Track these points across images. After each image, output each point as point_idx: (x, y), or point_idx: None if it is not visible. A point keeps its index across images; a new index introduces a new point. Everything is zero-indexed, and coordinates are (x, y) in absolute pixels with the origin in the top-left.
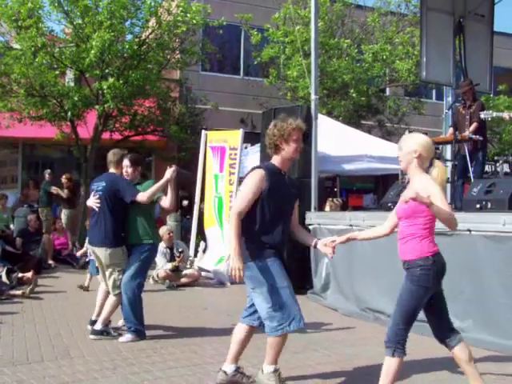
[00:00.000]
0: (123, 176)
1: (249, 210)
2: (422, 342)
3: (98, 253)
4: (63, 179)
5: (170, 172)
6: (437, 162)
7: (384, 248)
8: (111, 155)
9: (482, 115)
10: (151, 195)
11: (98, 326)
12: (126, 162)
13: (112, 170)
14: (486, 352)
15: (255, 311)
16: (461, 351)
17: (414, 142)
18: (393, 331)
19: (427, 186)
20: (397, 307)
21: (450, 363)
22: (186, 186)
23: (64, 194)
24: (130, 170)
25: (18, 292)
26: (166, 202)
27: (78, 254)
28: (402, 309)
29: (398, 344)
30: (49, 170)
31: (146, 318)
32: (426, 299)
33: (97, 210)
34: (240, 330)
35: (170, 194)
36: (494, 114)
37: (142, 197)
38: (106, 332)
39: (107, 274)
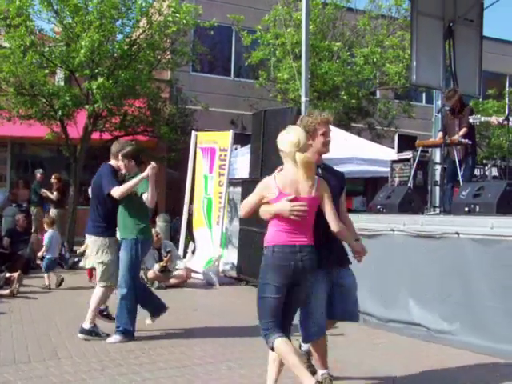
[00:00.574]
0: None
1: None
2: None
3: (87, 240)
4: (53, 179)
5: (149, 169)
6: (297, 155)
7: (370, 251)
8: (113, 146)
9: (471, 119)
10: (124, 191)
11: (86, 325)
12: (119, 156)
13: (112, 160)
14: (473, 355)
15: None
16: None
17: (279, 140)
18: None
19: None
20: None
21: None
22: (173, 187)
23: (54, 196)
24: (122, 164)
25: (6, 292)
26: (144, 198)
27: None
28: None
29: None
30: (41, 170)
31: None
32: (278, 294)
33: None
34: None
35: (149, 191)
36: (483, 119)
37: (114, 191)
38: (94, 332)
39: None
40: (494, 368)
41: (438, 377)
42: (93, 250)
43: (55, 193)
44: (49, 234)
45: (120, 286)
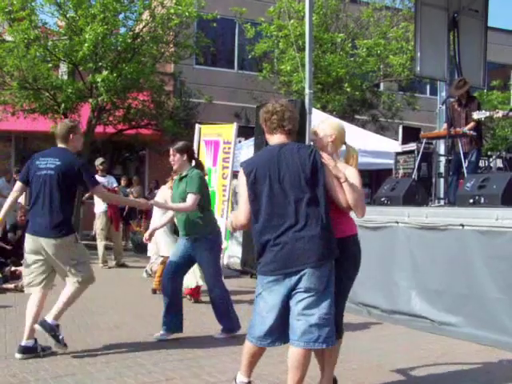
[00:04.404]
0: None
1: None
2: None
3: None
4: None
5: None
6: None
7: (374, 243)
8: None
9: (476, 115)
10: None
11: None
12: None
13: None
14: (477, 347)
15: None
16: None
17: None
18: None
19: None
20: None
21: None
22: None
23: None
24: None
25: (11, 285)
26: None
27: None
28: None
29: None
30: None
31: (140, 312)
32: None
33: None
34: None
35: None
36: (488, 114)
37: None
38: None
39: None
40: (499, 359)
41: (441, 368)
42: None
43: None
44: None
45: None
